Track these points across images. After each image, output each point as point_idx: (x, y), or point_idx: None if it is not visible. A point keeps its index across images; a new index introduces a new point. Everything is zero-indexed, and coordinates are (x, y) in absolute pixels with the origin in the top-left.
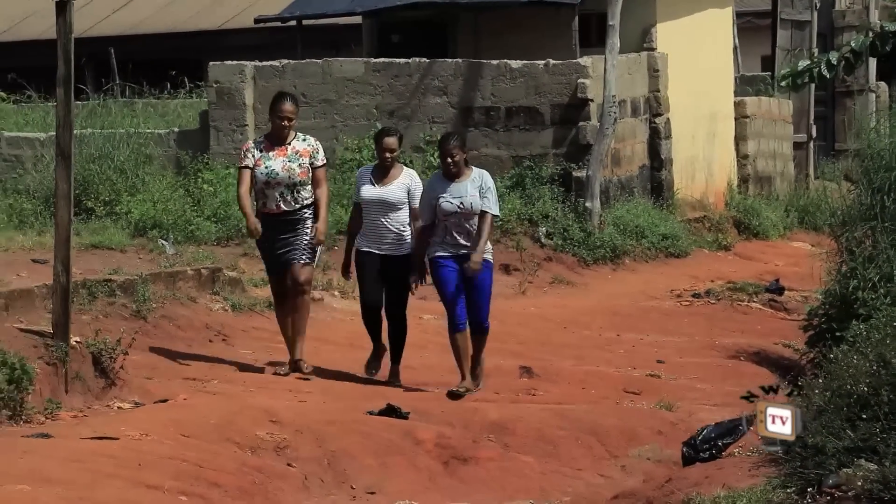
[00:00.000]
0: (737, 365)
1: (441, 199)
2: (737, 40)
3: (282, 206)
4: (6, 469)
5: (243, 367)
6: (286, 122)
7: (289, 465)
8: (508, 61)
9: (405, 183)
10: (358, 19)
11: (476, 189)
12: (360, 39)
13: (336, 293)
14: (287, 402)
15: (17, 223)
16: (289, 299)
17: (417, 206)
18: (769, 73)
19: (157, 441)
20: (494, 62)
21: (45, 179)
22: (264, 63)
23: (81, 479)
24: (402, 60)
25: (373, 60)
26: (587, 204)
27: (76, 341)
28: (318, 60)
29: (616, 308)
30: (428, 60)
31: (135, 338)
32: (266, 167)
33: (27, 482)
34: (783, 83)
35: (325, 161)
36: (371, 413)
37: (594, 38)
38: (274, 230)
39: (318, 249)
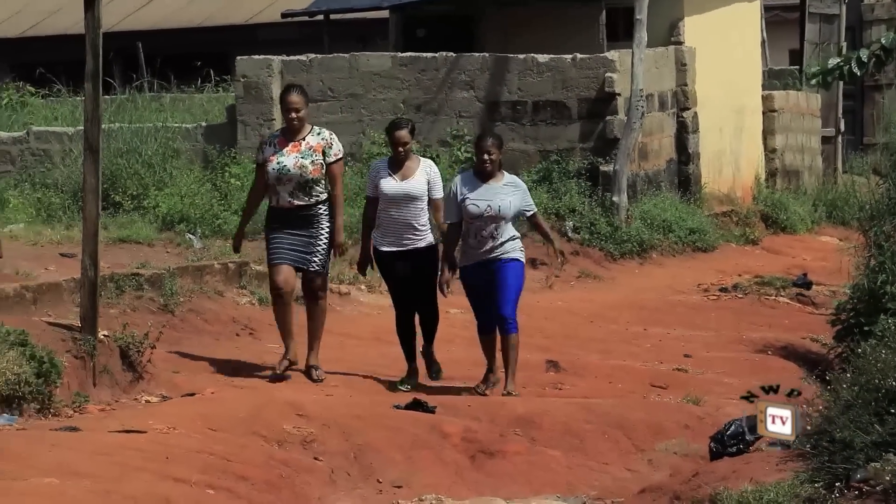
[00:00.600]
0: (764, 359)
1: (468, 202)
2: (765, 34)
3: (294, 202)
4: (34, 462)
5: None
6: (294, 115)
7: (315, 458)
8: (535, 55)
9: (426, 172)
10: (385, 13)
11: (507, 195)
12: (386, 34)
13: (363, 287)
14: (314, 395)
15: (45, 217)
16: (305, 302)
17: (438, 196)
18: (797, 66)
19: (184, 434)
20: (521, 56)
21: (73, 174)
22: (291, 57)
23: (109, 472)
24: (429, 55)
25: (399, 55)
26: (614, 198)
27: (104, 335)
28: (345, 55)
29: (643, 302)
30: (455, 54)
31: (162, 331)
32: (278, 163)
33: (55, 475)
34: (813, 81)
35: (340, 155)
36: (398, 407)
37: (621, 32)
38: (286, 223)
39: (329, 254)
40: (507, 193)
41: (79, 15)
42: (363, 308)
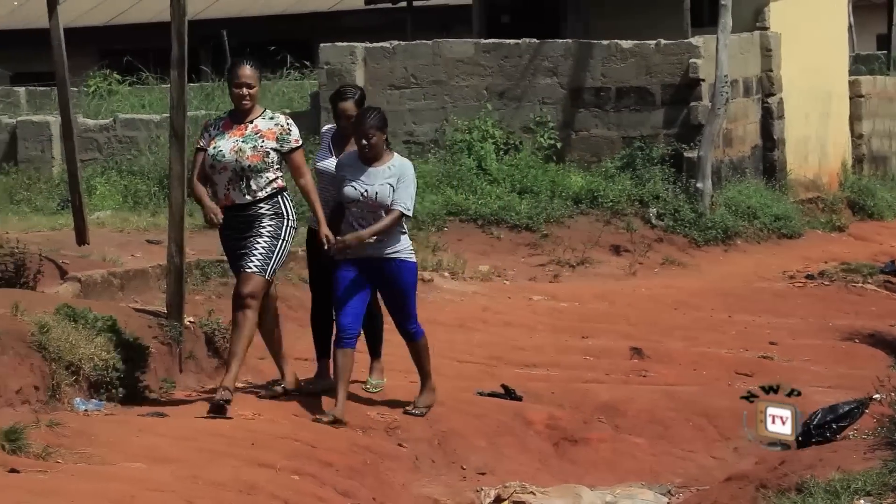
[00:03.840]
0: (851, 347)
1: (346, 183)
2: (851, 19)
3: (231, 196)
4: (122, 447)
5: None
6: (244, 91)
7: (400, 445)
8: (619, 41)
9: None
10: (468, 0)
11: (388, 179)
12: (469, 21)
13: (446, 274)
14: (398, 382)
15: (131, 204)
16: (231, 311)
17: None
18: (885, 51)
19: (269, 420)
20: (605, 42)
21: (159, 161)
22: (374, 44)
23: (195, 457)
24: (512, 41)
25: (483, 41)
26: (698, 185)
27: (190, 321)
28: (428, 41)
29: (728, 289)
30: (538, 41)
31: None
32: (214, 148)
33: (142, 460)
34: None
35: (299, 143)
36: (481, 394)
37: (706, 17)
38: (228, 227)
39: (277, 256)
40: (390, 178)
41: (165, 3)
42: (446, 294)
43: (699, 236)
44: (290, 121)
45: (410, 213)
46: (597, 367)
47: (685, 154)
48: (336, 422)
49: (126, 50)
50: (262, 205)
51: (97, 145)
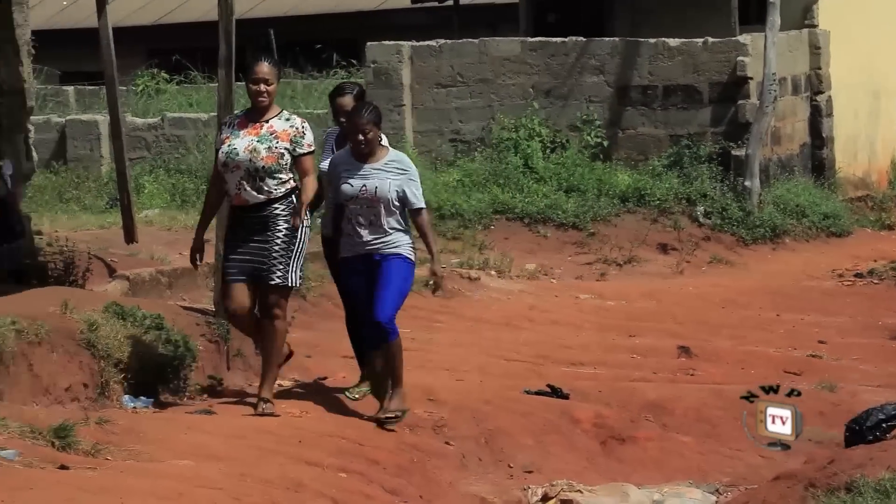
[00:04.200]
0: None
1: (342, 179)
2: None
3: (242, 195)
4: (171, 444)
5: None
6: (263, 87)
7: (446, 443)
8: (666, 39)
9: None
10: None
11: (388, 174)
12: (516, 20)
13: (493, 272)
14: (444, 380)
15: (179, 203)
16: (260, 321)
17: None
18: None
19: (316, 418)
20: (652, 40)
21: (206, 159)
22: (421, 43)
23: (243, 455)
24: (559, 39)
25: (529, 39)
26: (746, 183)
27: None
28: (475, 40)
29: (776, 288)
30: (584, 39)
31: (294, 316)
32: (228, 146)
33: (191, 457)
34: None
35: (311, 148)
36: (528, 392)
37: (753, 15)
38: (242, 229)
39: (296, 261)
40: (389, 174)
41: (212, 2)
42: (493, 293)
43: (747, 234)
44: (306, 124)
45: (425, 207)
46: (644, 365)
47: (733, 152)
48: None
49: (174, 49)
50: (276, 205)
51: (145, 144)
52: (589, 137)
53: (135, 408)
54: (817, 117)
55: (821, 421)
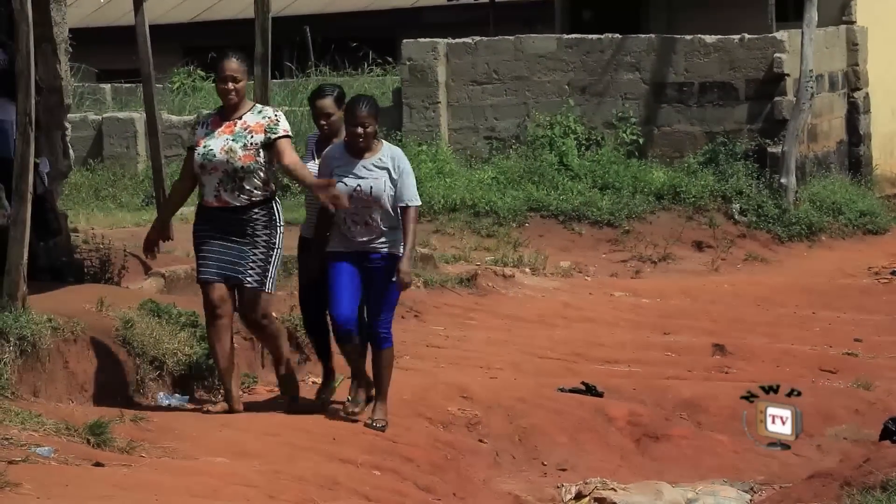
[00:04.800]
0: None
1: (336, 178)
2: None
3: (224, 197)
4: (205, 442)
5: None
6: (230, 85)
7: (480, 440)
8: (702, 36)
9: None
10: None
11: (383, 171)
12: (551, 16)
13: (527, 269)
14: (478, 378)
15: None
16: (246, 327)
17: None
18: None
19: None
20: (688, 37)
21: None
22: (457, 40)
23: (277, 452)
24: (595, 36)
25: (565, 36)
26: (782, 180)
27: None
28: (510, 37)
29: (812, 285)
30: (620, 36)
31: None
32: (204, 146)
33: (225, 455)
34: None
35: (287, 132)
36: (562, 390)
37: (790, 12)
38: (216, 226)
39: (274, 268)
40: (384, 171)
41: (248, 0)
42: (527, 291)
43: (783, 232)
44: (280, 113)
45: (420, 204)
46: (678, 363)
47: (769, 149)
48: (351, 416)
49: (210, 46)
50: (256, 210)
51: (181, 141)
52: (624, 134)
53: (170, 405)
54: (854, 114)
55: (857, 419)
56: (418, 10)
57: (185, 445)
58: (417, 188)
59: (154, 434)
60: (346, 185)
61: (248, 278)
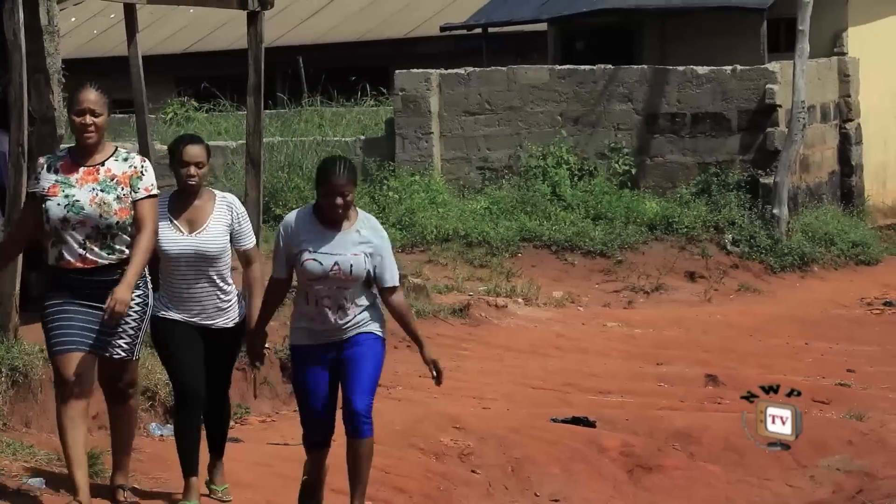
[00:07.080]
0: None
1: (306, 255)
2: None
3: (89, 257)
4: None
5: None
6: (87, 119)
7: (473, 471)
8: (695, 67)
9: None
10: (543, 27)
11: (361, 244)
12: (544, 47)
13: (520, 299)
14: (471, 408)
15: None
16: (106, 403)
17: (250, 245)
18: None
19: (342, 446)
20: (680, 68)
21: (235, 187)
22: (449, 70)
23: (270, 483)
24: (587, 67)
25: (557, 67)
26: (774, 210)
27: (265, 348)
28: (503, 68)
29: (804, 316)
30: (613, 67)
31: None
32: (66, 197)
33: None
34: None
35: (150, 191)
36: (555, 420)
37: (783, 43)
38: (79, 295)
39: (143, 332)
40: (362, 246)
41: (241, 31)
42: (520, 321)
43: (775, 262)
44: (147, 163)
45: (399, 286)
46: (671, 394)
47: (761, 180)
48: None
49: (202, 77)
50: (124, 268)
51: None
52: (617, 165)
53: (161, 435)
54: (846, 145)
55: (850, 450)
56: (411, 40)
57: (177, 476)
58: (410, 218)
59: (146, 464)
60: (320, 263)
61: (117, 350)
